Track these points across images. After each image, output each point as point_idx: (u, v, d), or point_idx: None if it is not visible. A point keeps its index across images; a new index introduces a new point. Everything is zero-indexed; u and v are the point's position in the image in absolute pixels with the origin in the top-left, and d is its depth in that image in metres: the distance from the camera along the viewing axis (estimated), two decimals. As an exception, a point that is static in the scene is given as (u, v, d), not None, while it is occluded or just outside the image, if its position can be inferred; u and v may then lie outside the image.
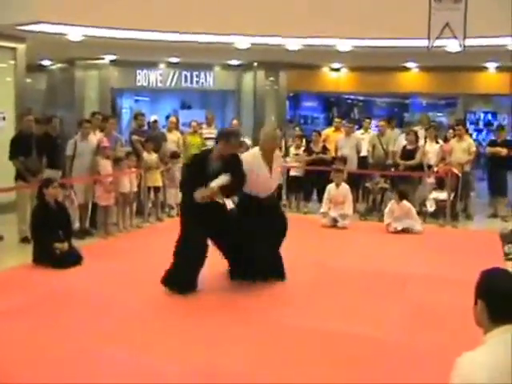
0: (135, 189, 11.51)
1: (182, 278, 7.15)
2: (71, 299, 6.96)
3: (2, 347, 5.50)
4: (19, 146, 10.18)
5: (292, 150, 13.94)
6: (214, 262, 7.54)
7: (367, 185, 13.24)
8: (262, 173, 7.59)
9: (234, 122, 15.31)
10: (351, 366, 5.15)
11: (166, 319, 6.29)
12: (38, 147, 10.30)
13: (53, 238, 8.48)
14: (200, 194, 7.00)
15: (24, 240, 9.98)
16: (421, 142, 13.27)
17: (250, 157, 7.76)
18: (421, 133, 13.58)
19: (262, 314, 6.51)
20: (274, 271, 7.77)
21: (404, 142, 13.25)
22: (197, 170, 7.37)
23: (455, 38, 12.41)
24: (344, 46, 14.42)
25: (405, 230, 11.14)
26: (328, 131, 15.03)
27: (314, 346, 5.59)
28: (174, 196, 12.51)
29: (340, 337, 5.83)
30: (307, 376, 4.96)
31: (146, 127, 13.76)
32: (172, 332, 5.90)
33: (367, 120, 15.23)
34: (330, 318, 6.40)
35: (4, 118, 13.02)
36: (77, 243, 9.10)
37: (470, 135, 15.25)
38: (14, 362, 5.16)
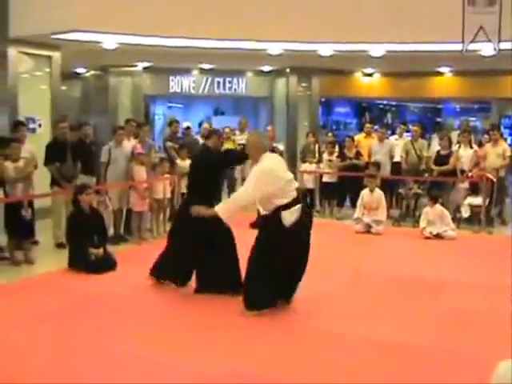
0: (169, 195, 11.56)
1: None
2: (105, 304, 7.00)
3: (36, 350, 5.55)
4: (54, 152, 10.29)
5: (325, 156, 13.91)
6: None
7: (400, 191, 13.15)
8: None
9: (269, 128, 15.31)
10: (383, 372, 5.12)
11: (198, 322, 6.28)
12: (73, 153, 10.40)
13: (88, 244, 8.55)
14: (198, 211, 6.87)
15: (59, 245, 10.09)
16: (455, 147, 13.20)
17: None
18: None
19: (294, 319, 6.51)
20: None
21: (438, 147, 13.17)
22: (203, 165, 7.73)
23: (489, 41, 12.28)
24: (377, 50, 14.35)
25: (438, 236, 11.05)
26: (359, 137, 14.97)
27: (348, 352, 5.57)
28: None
29: (374, 343, 5.79)
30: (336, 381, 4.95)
31: (179, 134, 13.87)
32: (207, 335, 5.90)
33: (402, 126, 15.11)
34: (364, 324, 6.37)
35: (40, 125, 13.17)
36: (111, 249, 9.16)
37: (505, 140, 15.11)
38: (46, 365, 5.22)
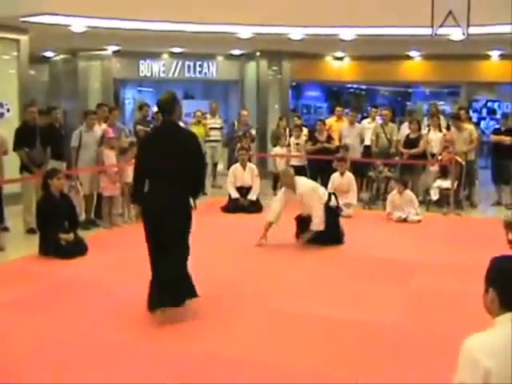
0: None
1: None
2: (77, 289, 6.99)
3: (8, 338, 5.54)
4: (23, 137, 10.21)
5: (293, 140, 13.95)
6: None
7: (371, 174, 13.22)
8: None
9: (244, 112, 15.33)
10: (347, 351, 5.23)
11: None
12: (42, 138, 10.33)
13: (58, 229, 8.52)
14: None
15: (30, 231, 10.03)
16: (424, 130, 13.33)
17: None
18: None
19: (264, 302, 6.56)
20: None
21: (407, 131, 13.28)
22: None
23: (458, 26, 12.36)
24: (347, 34, 14.38)
25: (406, 220, 11.15)
26: (331, 120, 15.00)
27: (315, 332, 5.66)
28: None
29: (340, 322, 5.89)
30: (303, 360, 5.03)
31: (149, 117, 13.82)
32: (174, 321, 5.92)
33: (374, 109, 15.16)
34: (331, 305, 6.46)
35: (8, 110, 13.01)
36: (82, 234, 9.13)
37: (474, 123, 15.25)
38: (18, 353, 5.20)
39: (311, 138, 13.82)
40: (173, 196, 5.93)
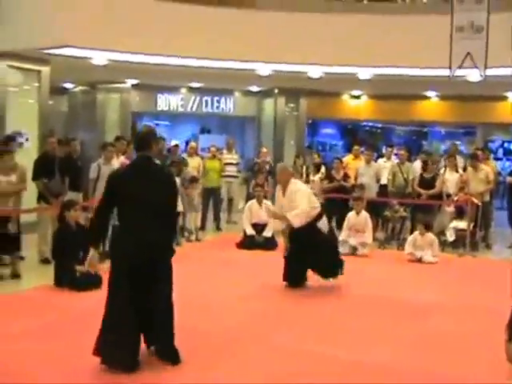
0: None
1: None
2: (90, 321, 6.92)
3: (21, 367, 5.51)
4: (42, 168, 10.27)
5: (310, 177, 13.95)
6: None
7: (386, 213, 13.17)
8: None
9: (264, 149, 15.36)
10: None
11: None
12: (61, 169, 10.38)
13: (74, 260, 8.51)
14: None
15: (44, 261, 10.05)
16: (441, 170, 13.33)
17: None
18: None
19: (276, 338, 6.50)
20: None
21: (419, 169, 13.31)
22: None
23: (476, 67, 12.41)
24: (364, 74, 14.48)
25: (420, 260, 11.07)
26: (348, 159, 15.02)
27: (327, 372, 5.57)
28: (194, 220, 12.72)
29: (351, 363, 5.81)
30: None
31: (166, 152, 13.88)
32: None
33: (389, 148, 15.16)
34: (344, 344, 6.39)
35: (27, 140, 13.14)
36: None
37: (493, 160, 15.19)
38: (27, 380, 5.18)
39: (328, 176, 13.81)
40: (152, 235, 5.47)
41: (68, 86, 19.21)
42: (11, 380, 5.22)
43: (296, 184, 8.95)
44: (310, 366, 5.76)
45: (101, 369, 5.49)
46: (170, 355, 5.60)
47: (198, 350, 6.01)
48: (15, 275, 9.16)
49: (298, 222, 8.50)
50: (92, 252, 5.88)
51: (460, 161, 14.25)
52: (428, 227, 11.43)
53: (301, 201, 8.61)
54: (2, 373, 5.35)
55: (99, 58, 13.24)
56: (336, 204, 13.12)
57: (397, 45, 12.72)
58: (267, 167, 14.85)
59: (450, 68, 12.52)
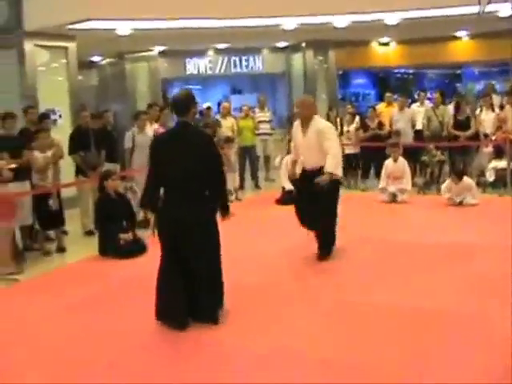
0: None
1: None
2: (137, 288, 7.02)
3: (74, 338, 5.65)
4: (78, 142, 10.38)
5: (345, 128, 13.88)
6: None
7: (424, 158, 13.07)
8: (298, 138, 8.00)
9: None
10: (402, 338, 5.19)
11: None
12: (96, 141, 10.47)
13: (117, 229, 8.64)
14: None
15: (88, 233, 10.23)
16: (476, 111, 13.15)
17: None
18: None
19: (323, 291, 6.55)
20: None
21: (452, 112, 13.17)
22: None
23: (506, 1, 12.11)
24: (392, 19, 14.25)
25: (461, 203, 10.97)
26: (381, 106, 14.90)
27: (375, 321, 5.61)
28: (232, 180, 12.68)
29: (400, 309, 5.84)
30: (362, 349, 5.00)
31: (198, 115, 13.91)
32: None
33: (422, 93, 14.97)
34: (391, 292, 6.41)
35: (60, 116, 13.26)
36: (141, 233, 9.17)
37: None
38: (82, 353, 5.31)
39: (363, 125, 13.72)
40: (191, 209, 5.53)
41: (96, 59, 19.23)
42: (62, 352, 5.36)
43: (321, 122, 7.86)
44: (367, 317, 5.79)
45: (152, 331, 5.60)
46: (209, 316, 5.68)
47: (241, 307, 6.09)
48: (61, 249, 9.37)
49: (339, 171, 7.62)
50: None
51: (496, 99, 13.99)
52: (461, 174, 11.24)
53: (332, 142, 7.59)
54: (58, 346, 5.51)
55: (123, 28, 13.22)
56: (372, 152, 13.08)
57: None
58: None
59: (479, 4, 12.23)
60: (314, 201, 7.42)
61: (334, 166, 7.41)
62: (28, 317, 6.34)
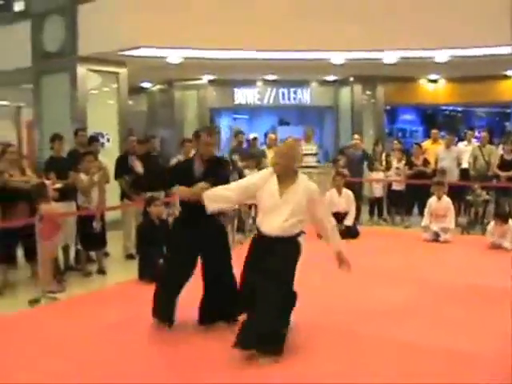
0: (236, 206, 11.65)
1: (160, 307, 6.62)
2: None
3: (106, 357, 5.73)
4: (124, 166, 10.53)
5: (394, 164, 13.82)
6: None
7: (469, 197, 12.93)
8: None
9: (356, 136, 15.08)
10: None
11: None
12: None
13: (157, 254, 8.70)
14: (184, 193, 6.33)
15: (129, 256, 10.34)
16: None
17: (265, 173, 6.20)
18: None
19: (364, 327, 6.49)
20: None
21: (501, 152, 13.01)
22: (180, 176, 6.59)
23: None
24: (441, 56, 14.22)
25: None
26: (426, 143, 14.80)
27: (414, 361, 5.53)
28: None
29: (439, 351, 5.74)
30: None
31: (245, 145, 14.00)
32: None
33: (470, 132, 14.88)
34: (429, 332, 6.32)
35: (108, 140, 13.48)
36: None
37: None
38: (119, 373, 5.35)
39: (408, 162, 13.66)
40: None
41: (146, 85, 19.54)
42: (100, 370, 5.41)
43: (307, 180, 6.33)
44: (389, 352, 5.75)
45: (183, 354, 5.62)
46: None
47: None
48: (101, 271, 9.48)
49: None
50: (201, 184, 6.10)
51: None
52: (506, 216, 11.00)
53: (328, 211, 6.95)
54: (94, 365, 5.56)
55: (173, 56, 13.42)
56: (417, 190, 13.00)
57: (472, 24, 12.39)
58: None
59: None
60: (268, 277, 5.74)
61: (341, 243, 6.56)
62: (64, 335, 6.44)
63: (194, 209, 6.12)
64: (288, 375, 5.23)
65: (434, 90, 19.00)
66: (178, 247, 6.50)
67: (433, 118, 22.95)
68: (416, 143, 14.57)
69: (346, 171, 13.33)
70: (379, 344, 5.97)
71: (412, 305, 7.40)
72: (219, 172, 6.49)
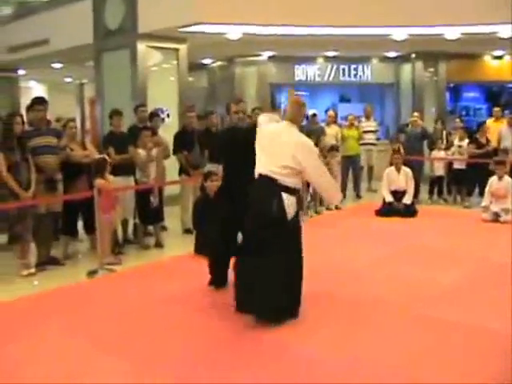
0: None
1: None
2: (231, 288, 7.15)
3: (162, 331, 5.83)
4: (182, 141, 10.61)
5: (456, 142, 13.61)
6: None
7: (531, 177, 12.66)
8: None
9: (415, 114, 14.91)
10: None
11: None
12: (200, 142, 10.67)
13: (213, 230, 8.77)
14: None
15: (187, 231, 10.44)
16: None
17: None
18: None
19: (416, 307, 6.44)
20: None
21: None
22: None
23: None
24: (506, 31, 13.88)
25: None
26: (488, 122, 14.53)
27: (470, 343, 5.46)
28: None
29: (482, 331, 5.68)
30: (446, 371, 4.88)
31: (305, 121, 13.98)
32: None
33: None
34: (488, 314, 6.20)
35: (168, 115, 13.62)
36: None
37: None
38: (176, 345, 5.45)
39: (474, 140, 13.38)
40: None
41: (206, 61, 19.62)
42: (151, 342, 5.53)
43: None
44: (443, 334, 5.71)
45: (235, 327, 5.69)
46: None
47: (326, 315, 6.11)
48: (159, 244, 9.64)
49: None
50: None
51: None
52: None
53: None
54: (152, 337, 5.68)
55: (234, 33, 13.44)
56: (478, 169, 12.77)
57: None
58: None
59: None
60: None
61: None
62: (119, 305, 6.62)
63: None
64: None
65: (499, 66, 18.60)
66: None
67: (497, 96, 22.43)
68: (483, 122, 14.27)
69: (401, 149, 13.22)
70: (444, 328, 5.86)
71: (466, 285, 7.30)
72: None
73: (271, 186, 5.79)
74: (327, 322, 5.92)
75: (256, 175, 5.98)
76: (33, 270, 8.09)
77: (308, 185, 11.85)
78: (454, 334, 5.61)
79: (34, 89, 24.05)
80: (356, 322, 5.96)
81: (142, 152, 9.45)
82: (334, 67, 19.03)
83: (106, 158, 8.85)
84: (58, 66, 19.40)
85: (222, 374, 4.83)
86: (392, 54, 18.31)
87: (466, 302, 6.59)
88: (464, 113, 21.44)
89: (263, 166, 5.91)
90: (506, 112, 15.31)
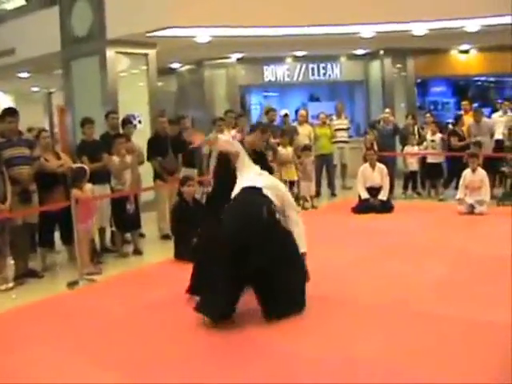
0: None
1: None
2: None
3: (148, 338, 5.76)
4: (156, 147, 10.57)
5: (428, 137, 13.70)
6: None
7: (503, 169, 12.78)
8: None
9: (387, 110, 15.02)
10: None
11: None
12: (174, 147, 10.64)
13: (192, 234, 8.74)
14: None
15: (165, 237, 10.38)
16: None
17: None
18: None
19: (411, 306, 6.41)
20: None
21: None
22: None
23: None
24: (472, 26, 14.01)
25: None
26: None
27: (449, 334, 5.46)
28: (308, 188, 12.77)
29: (478, 324, 5.67)
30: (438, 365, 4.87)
31: (276, 122, 14.00)
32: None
33: (506, 102, 14.64)
34: (468, 306, 6.22)
35: (140, 122, 13.54)
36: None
37: None
38: (156, 352, 5.38)
39: (453, 133, 13.47)
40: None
41: (175, 65, 19.52)
42: (139, 350, 5.47)
43: None
44: (424, 326, 5.71)
45: (220, 333, 5.66)
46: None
47: (316, 315, 6.10)
48: (137, 251, 9.58)
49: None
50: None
51: None
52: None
53: None
54: (133, 344, 5.62)
55: (202, 36, 13.42)
56: (452, 162, 12.89)
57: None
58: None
59: None
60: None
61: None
62: (102, 316, 6.53)
63: None
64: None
65: (466, 60, 18.75)
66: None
67: (465, 90, 22.63)
68: (459, 115, 14.35)
69: (375, 146, 13.29)
70: (419, 319, 5.89)
71: (447, 278, 7.32)
72: None
73: (259, 193, 6.07)
74: (317, 321, 5.92)
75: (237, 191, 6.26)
76: (11, 285, 7.97)
77: (285, 183, 11.90)
78: (452, 329, 5.57)
79: (0, 100, 23.74)
80: (348, 321, 5.94)
81: (116, 159, 9.39)
82: (303, 67, 19.05)
83: (85, 167, 8.77)
84: (24, 75, 19.20)
85: (215, 377, 4.80)
86: (360, 52, 18.37)
87: (456, 296, 6.56)
88: (432, 107, 21.59)
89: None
90: (475, 105, 15.43)
